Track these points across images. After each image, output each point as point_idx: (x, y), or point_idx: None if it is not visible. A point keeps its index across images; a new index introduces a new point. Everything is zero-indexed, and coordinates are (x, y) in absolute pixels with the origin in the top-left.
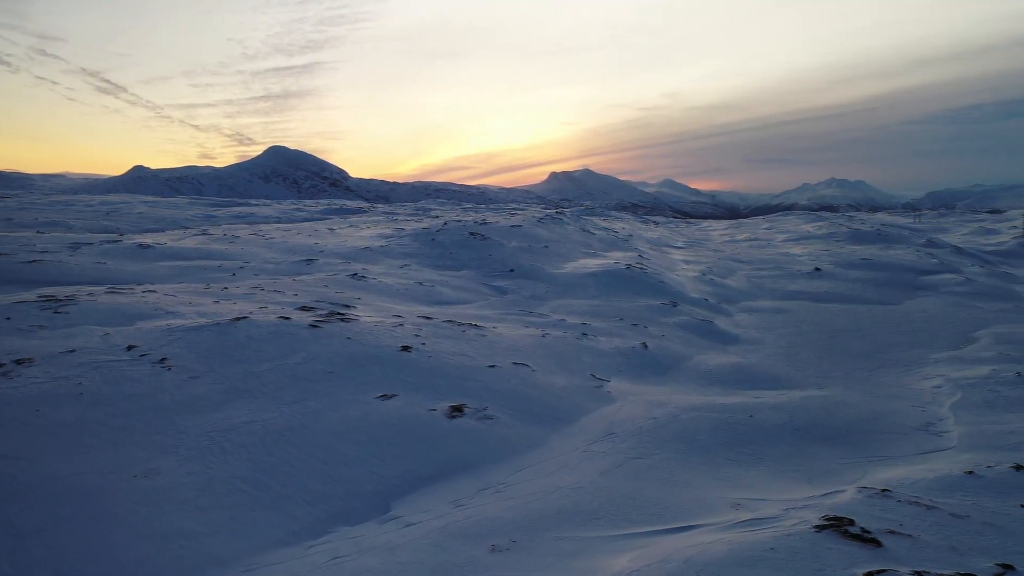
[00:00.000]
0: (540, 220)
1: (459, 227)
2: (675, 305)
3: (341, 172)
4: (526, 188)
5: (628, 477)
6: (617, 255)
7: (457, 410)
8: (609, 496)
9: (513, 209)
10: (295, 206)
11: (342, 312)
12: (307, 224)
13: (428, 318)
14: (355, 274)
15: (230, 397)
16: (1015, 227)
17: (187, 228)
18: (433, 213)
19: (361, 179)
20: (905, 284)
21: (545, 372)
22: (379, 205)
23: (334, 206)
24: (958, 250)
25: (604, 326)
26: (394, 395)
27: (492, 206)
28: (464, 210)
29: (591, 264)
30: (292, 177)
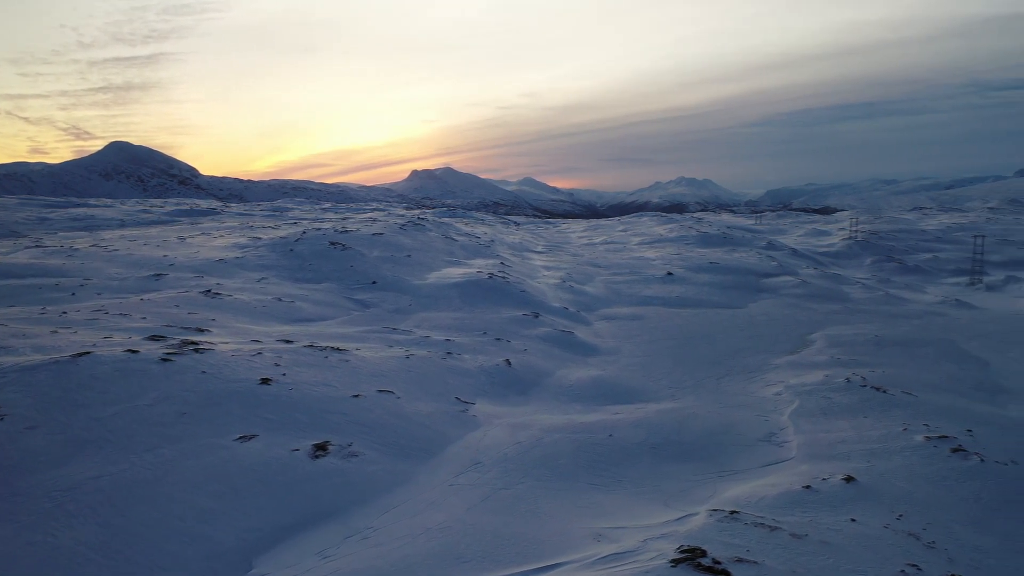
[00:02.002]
0: (402, 227)
1: (319, 236)
2: (537, 316)
3: (191, 170)
4: (387, 186)
5: (495, 511)
6: (480, 263)
7: (321, 448)
8: (476, 535)
9: (376, 208)
10: (141, 206)
11: (196, 340)
12: (155, 230)
13: (288, 341)
14: (208, 290)
15: (74, 449)
16: (843, 228)
17: (17, 234)
18: (291, 214)
19: (213, 177)
20: (749, 287)
21: (410, 398)
22: (233, 204)
23: (184, 206)
24: (795, 252)
25: (468, 342)
26: (254, 435)
27: (352, 205)
28: (323, 211)
29: (455, 274)
30: (137, 174)
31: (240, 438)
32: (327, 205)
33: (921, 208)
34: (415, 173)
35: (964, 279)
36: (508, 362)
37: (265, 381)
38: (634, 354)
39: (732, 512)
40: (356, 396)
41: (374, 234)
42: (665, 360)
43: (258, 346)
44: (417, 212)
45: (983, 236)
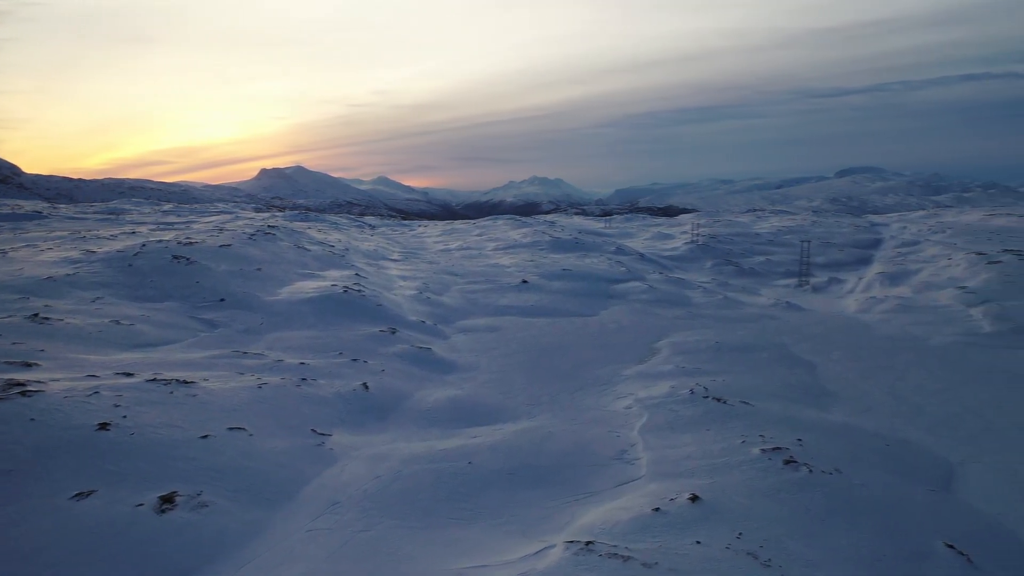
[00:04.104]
0: (251, 237)
1: (160, 249)
2: (394, 332)
3: (12, 167)
4: (234, 185)
5: (355, 558)
6: (334, 275)
7: (168, 501)
8: None
9: (222, 211)
10: None
11: (22, 380)
12: None
13: (129, 374)
14: (36, 314)
15: None
16: (685, 232)
17: None
18: (128, 217)
19: (39, 175)
20: (600, 293)
21: (264, 435)
22: (62, 206)
23: (4, 208)
24: (642, 257)
25: (324, 364)
26: (93, 491)
27: (196, 206)
28: (164, 212)
29: (308, 288)
30: None
31: (77, 495)
32: (168, 206)
33: (754, 210)
34: (264, 172)
35: (793, 281)
36: (365, 386)
37: (103, 426)
38: (491, 369)
39: (588, 543)
40: (205, 437)
41: (221, 246)
42: (521, 374)
43: (95, 382)
44: (267, 215)
45: (809, 241)
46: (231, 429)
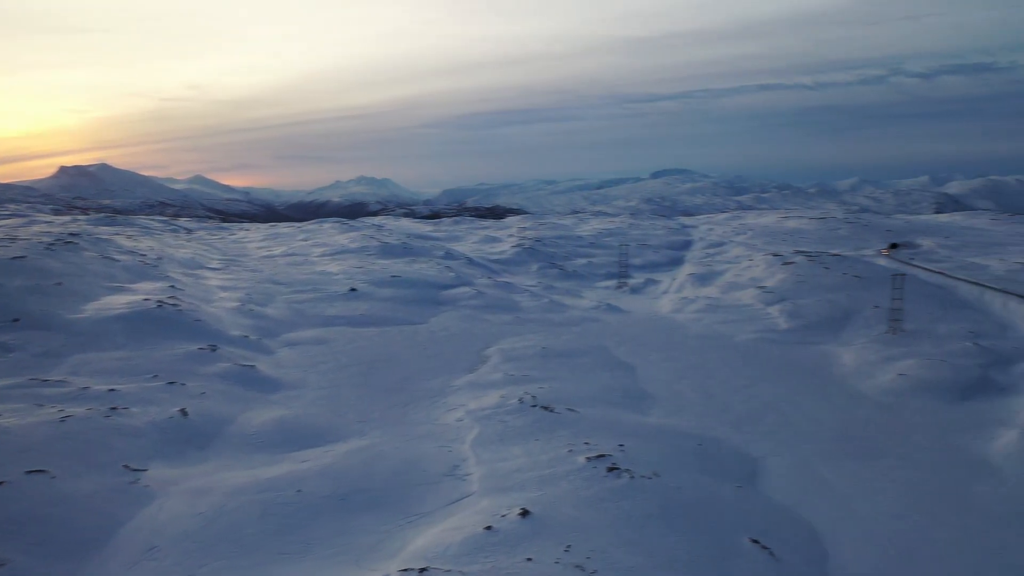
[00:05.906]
0: (50, 247)
1: None
2: (215, 349)
3: None
4: (28, 184)
5: None
6: (147, 287)
7: None
8: None
9: (14, 213)
10: None
11: None
12: None
13: None
14: None
15: None
16: (512, 235)
17: None
18: None
19: None
20: (429, 300)
21: (69, 475)
22: None
23: None
24: (470, 261)
25: (136, 389)
26: None
27: None
28: None
29: (117, 303)
30: None
31: None
32: None
33: (577, 212)
34: (64, 169)
35: (613, 283)
36: (184, 412)
37: None
38: (320, 385)
39: (421, 570)
40: None
41: (14, 258)
42: (351, 389)
43: None
44: (68, 219)
45: (628, 245)
46: (29, 472)
